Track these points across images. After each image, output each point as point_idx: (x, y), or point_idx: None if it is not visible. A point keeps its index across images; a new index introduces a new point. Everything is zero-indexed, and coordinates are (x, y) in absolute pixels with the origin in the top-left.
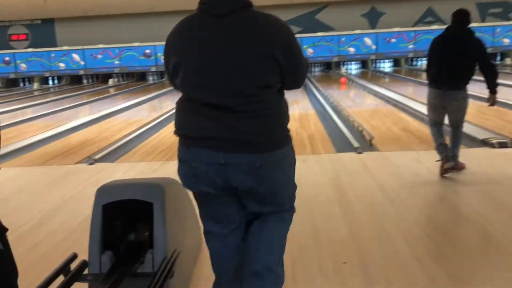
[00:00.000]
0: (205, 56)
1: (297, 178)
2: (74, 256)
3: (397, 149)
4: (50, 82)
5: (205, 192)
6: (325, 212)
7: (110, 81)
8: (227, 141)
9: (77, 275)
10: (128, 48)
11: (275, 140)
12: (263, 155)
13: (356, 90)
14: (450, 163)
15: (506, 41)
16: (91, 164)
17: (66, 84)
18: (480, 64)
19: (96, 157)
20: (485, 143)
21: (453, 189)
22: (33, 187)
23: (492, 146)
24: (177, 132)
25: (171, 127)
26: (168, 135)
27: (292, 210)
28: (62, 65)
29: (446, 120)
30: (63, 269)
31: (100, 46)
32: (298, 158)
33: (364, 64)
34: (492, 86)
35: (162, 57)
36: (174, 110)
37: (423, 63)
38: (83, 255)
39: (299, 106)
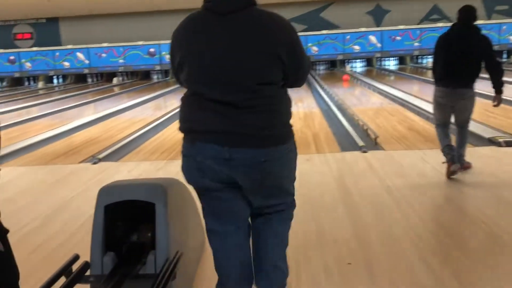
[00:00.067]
0: (209, 53)
1: (301, 177)
2: (76, 257)
3: (402, 148)
4: (55, 81)
5: (209, 187)
6: (330, 212)
7: (115, 80)
8: (231, 136)
9: (79, 277)
10: (133, 46)
11: (278, 135)
12: (268, 150)
13: (361, 88)
14: (456, 165)
15: None
16: (95, 163)
17: (70, 83)
18: (486, 62)
19: (100, 156)
20: (491, 141)
21: (460, 189)
22: (37, 187)
23: (499, 144)
24: (181, 127)
25: (175, 125)
26: (172, 133)
27: (293, 206)
28: (66, 64)
29: (452, 119)
30: (65, 270)
31: (105, 45)
32: (303, 157)
33: (369, 62)
34: (498, 86)
35: (167, 55)
36: (178, 109)
37: (428, 61)
38: (85, 256)
39: (303, 105)
